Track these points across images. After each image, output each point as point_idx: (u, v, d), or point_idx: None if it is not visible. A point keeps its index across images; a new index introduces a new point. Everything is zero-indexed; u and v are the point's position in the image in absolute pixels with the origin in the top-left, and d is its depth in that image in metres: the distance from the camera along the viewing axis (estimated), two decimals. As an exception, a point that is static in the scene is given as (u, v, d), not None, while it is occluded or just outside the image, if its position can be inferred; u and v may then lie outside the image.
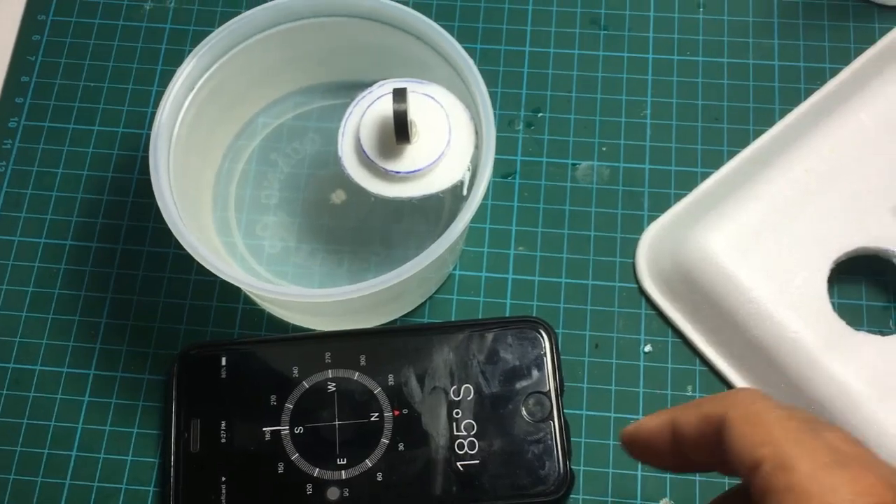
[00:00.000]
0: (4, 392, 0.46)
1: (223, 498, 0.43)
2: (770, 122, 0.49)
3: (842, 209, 0.46)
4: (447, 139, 0.41)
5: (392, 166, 0.41)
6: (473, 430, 0.44)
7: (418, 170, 0.41)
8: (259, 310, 0.47)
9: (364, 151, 0.41)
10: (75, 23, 0.53)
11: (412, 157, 0.41)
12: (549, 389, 0.44)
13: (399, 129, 0.40)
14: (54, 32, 0.53)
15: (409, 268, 0.39)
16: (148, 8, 0.54)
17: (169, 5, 0.53)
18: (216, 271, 0.39)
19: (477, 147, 0.42)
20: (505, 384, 0.44)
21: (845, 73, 0.50)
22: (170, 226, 0.40)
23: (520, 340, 0.45)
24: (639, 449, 0.34)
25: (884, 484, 0.27)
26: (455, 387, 0.44)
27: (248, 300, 0.47)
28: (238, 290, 0.47)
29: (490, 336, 0.45)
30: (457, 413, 0.44)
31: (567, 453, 0.43)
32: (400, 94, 0.40)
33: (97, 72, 0.52)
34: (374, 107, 0.42)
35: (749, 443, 0.30)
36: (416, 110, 0.41)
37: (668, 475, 0.44)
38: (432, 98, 0.42)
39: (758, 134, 0.49)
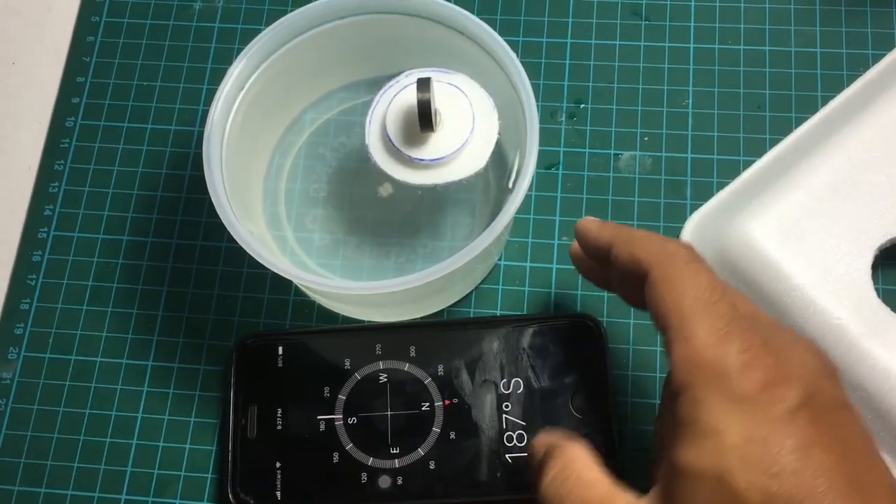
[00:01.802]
0: (68, 383, 0.48)
1: (278, 483, 0.44)
2: (812, 110, 0.49)
3: (884, 195, 0.46)
4: (471, 127, 0.42)
5: (417, 154, 0.42)
6: (522, 423, 0.45)
7: (442, 157, 0.42)
8: (309, 301, 0.49)
9: (390, 139, 0.42)
10: (127, 24, 0.55)
11: (437, 145, 0.42)
12: (597, 384, 0.45)
13: (423, 118, 0.41)
14: (107, 34, 0.55)
15: (455, 260, 0.40)
16: (197, 8, 0.55)
17: (218, 4, 0.55)
18: (267, 264, 0.40)
19: (499, 136, 0.43)
20: (553, 379, 0.45)
21: (888, 60, 0.50)
22: (223, 220, 0.41)
23: (568, 336, 0.46)
24: (579, 266, 0.40)
25: (766, 352, 0.30)
26: (504, 380, 0.45)
27: (298, 292, 0.49)
28: (289, 282, 0.48)
29: (539, 331, 0.46)
30: (506, 406, 0.45)
31: (615, 447, 0.44)
32: (424, 84, 0.40)
33: (149, 71, 0.54)
34: (399, 96, 0.43)
35: (662, 306, 0.32)
36: (441, 99, 0.42)
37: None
38: (457, 87, 0.43)
39: (800, 122, 0.49)
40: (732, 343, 0.30)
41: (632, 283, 0.35)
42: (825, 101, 0.50)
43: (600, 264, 0.39)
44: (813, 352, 0.33)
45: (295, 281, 0.42)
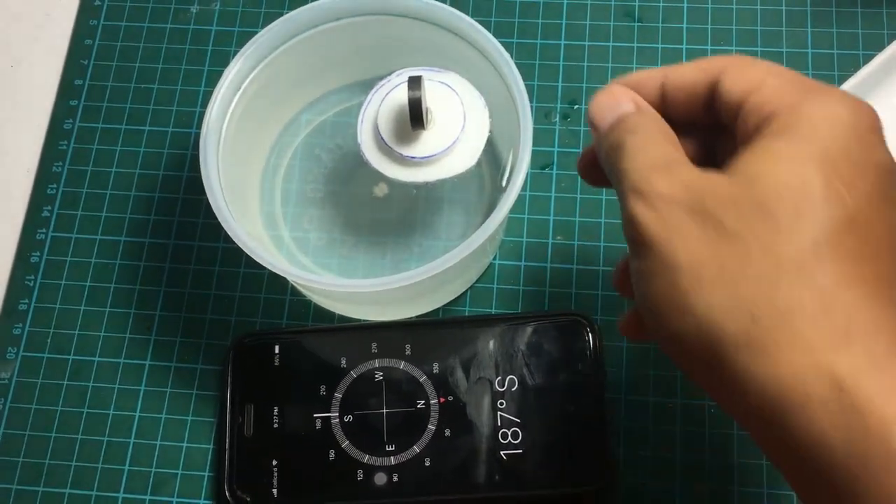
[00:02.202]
0: (65, 382, 0.48)
1: (275, 480, 0.44)
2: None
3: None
4: (462, 125, 0.42)
5: (408, 151, 0.42)
6: (517, 420, 0.45)
7: (433, 155, 0.42)
8: (306, 300, 0.49)
9: (382, 137, 0.42)
10: (125, 27, 0.55)
11: (428, 142, 0.42)
12: (592, 382, 0.45)
13: (414, 116, 0.41)
14: (105, 37, 0.55)
15: (448, 258, 0.40)
16: (194, 11, 0.55)
17: (214, 8, 0.55)
18: (264, 262, 0.40)
19: (494, 136, 0.44)
20: (548, 376, 0.46)
21: (879, 59, 0.50)
22: (220, 220, 0.41)
23: (563, 333, 0.46)
24: (589, 177, 0.37)
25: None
26: (499, 378, 0.46)
27: (294, 291, 0.49)
28: (285, 281, 0.49)
29: (533, 329, 0.47)
30: (501, 403, 0.45)
31: (609, 444, 0.44)
32: (415, 82, 0.41)
33: (147, 74, 0.54)
34: (391, 95, 0.43)
35: (743, 82, 0.31)
36: (432, 97, 0.42)
37: (707, 457, 0.45)
38: (447, 86, 0.43)
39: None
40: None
41: (691, 97, 0.34)
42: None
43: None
44: None
45: (290, 279, 0.43)
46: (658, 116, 0.33)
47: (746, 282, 0.28)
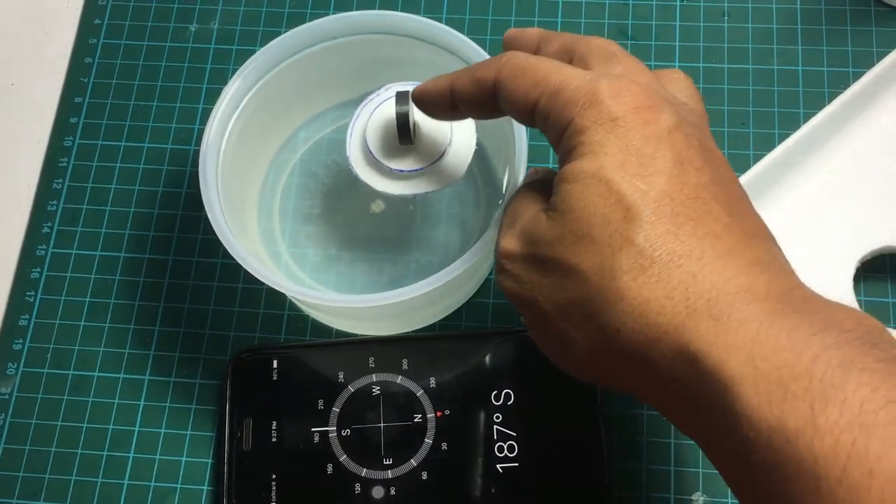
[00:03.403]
0: (65, 398, 0.49)
1: (274, 494, 0.45)
2: (795, 126, 0.50)
3: (866, 209, 0.47)
4: (448, 139, 0.43)
5: (396, 165, 0.43)
6: (513, 434, 0.45)
7: (421, 168, 0.43)
8: (304, 316, 0.49)
9: (370, 151, 0.43)
10: (125, 45, 0.56)
11: (415, 156, 0.43)
12: (586, 394, 0.46)
13: (402, 130, 0.42)
14: (105, 55, 0.56)
15: (444, 274, 0.41)
16: (193, 29, 0.56)
17: (213, 26, 0.56)
18: (261, 277, 0.41)
19: (486, 149, 0.45)
20: (544, 390, 0.46)
21: (868, 77, 0.51)
22: (219, 236, 0.42)
23: None
24: (426, 106, 0.39)
25: (636, 84, 0.32)
26: (495, 391, 0.46)
27: (293, 307, 0.50)
28: (284, 297, 0.49)
29: (529, 343, 0.46)
30: (497, 417, 0.46)
31: (604, 456, 0.45)
32: (402, 97, 0.42)
33: (146, 91, 0.55)
34: (379, 109, 0.44)
35: (522, 91, 0.34)
36: (419, 112, 0.43)
37: (700, 470, 0.46)
38: None
39: (783, 138, 0.50)
40: (601, 80, 0.32)
41: (481, 102, 0.36)
42: (807, 117, 0.51)
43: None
44: (687, 85, 0.36)
45: (288, 294, 0.43)
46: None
47: (597, 307, 0.31)
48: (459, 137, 0.43)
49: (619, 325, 0.30)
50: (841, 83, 0.52)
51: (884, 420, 0.25)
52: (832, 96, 0.51)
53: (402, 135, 0.42)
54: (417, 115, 0.43)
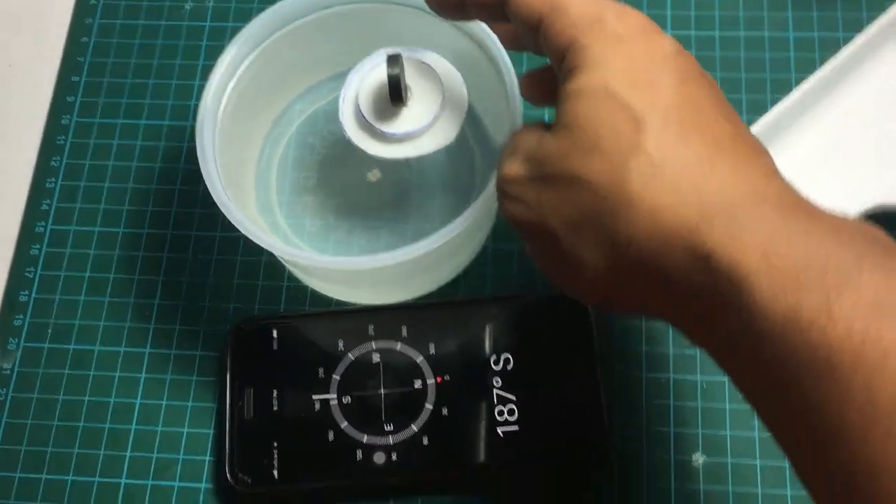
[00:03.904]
0: (66, 372, 0.49)
1: (275, 462, 0.45)
2: (786, 91, 0.51)
3: (860, 168, 0.48)
4: (441, 102, 0.43)
5: (389, 128, 0.43)
6: (512, 397, 0.46)
7: (413, 131, 0.43)
8: (303, 286, 0.50)
9: (363, 115, 0.43)
10: (121, 24, 0.56)
11: (407, 119, 0.43)
12: (585, 358, 0.46)
13: (393, 92, 0.42)
14: (101, 34, 0.56)
15: (443, 234, 0.41)
16: (188, 7, 0.56)
17: (208, 4, 0.56)
18: (258, 240, 0.41)
19: (481, 116, 0.45)
20: (542, 354, 0.46)
21: (858, 41, 0.51)
22: (213, 195, 0.42)
23: (556, 312, 0.47)
24: (433, 3, 0.38)
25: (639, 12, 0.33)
26: (495, 356, 0.46)
27: (291, 278, 0.50)
28: (283, 267, 0.50)
29: (528, 309, 0.47)
30: (497, 381, 0.46)
31: (603, 419, 0.45)
32: (394, 60, 0.42)
33: (143, 69, 0.55)
34: (372, 73, 0.44)
35: (531, 2, 0.33)
36: (411, 75, 0.43)
37: (700, 431, 0.46)
38: (427, 64, 0.44)
39: (775, 102, 0.51)
40: (606, 3, 0.33)
41: (490, 6, 0.36)
42: (798, 81, 0.51)
43: None
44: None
45: (281, 255, 0.43)
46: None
47: (607, 219, 0.31)
48: (451, 101, 0.44)
49: (632, 233, 0.30)
50: (831, 48, 0.52)
51: None
52: (823, 61, 0.51)
53: (395, 97, 0.42)
54: (409, 78, 0.43)
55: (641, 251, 0.30)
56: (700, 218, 0.29)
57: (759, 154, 0.32)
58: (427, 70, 0.44)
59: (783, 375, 0.26)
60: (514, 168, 0.34)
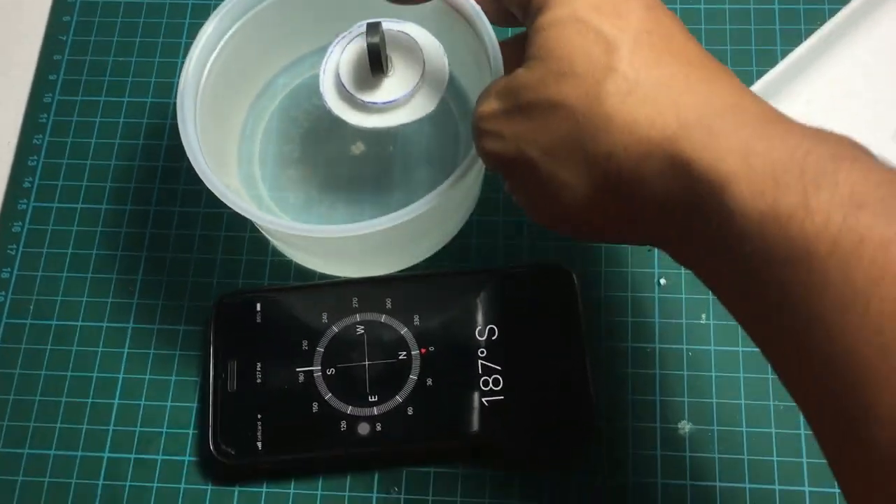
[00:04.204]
0: (49, 347, 0.48)
1: (259, 434, 0.45)
2: (773, 63, 0.51)
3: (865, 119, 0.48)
4: (421, 71, 0.43)
5: (369, 98, 0.43)
6: (498, 368, 0.45)
7: (394, 100, 0.43)
8: (287, 261, 0.49)
9: (343, 85, 0.43)
10: (103, 3, 0.56)
11: (388, 89, 0.43)
12: (571, 328, 0.46)
13: (373, 61, 0.42)
14: (84, 13, 0.56)
15: (426, 201, 0.41)
16: (171, -15, 0.56)
17: (190, -19, 0.56)
18: (240, 209, 0.41)
19: (466, 90, 0.44)
20: (528, 325, 0.46)
21: (843, 13, 0.51)
22: (196, 169, 0.41)
23: (542, 283, 0.47)
24: None
25: None
26: (480, 328, 0.46)
27: (276, 252, 0.50)
28: (266, 242, 0.49)
29: (513, 279, 0.47)
30: (482, 352, 0.46)
31: (589, 389, 0.45)
32: (373, 28, 0.41)
33: (125, 47, 0.55)
34: (352, 44, 0.44)
35: None
36: (392, 46, 0.43)
37: (685, 399, 0.45)
38: (407, 34, 0.44)
39: (761, 74, 0.51)
40: None
41: None
42: (784, 54, 0.51)
43: None
44: None
45: (257, 222, 0.42)
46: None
47: (586, 138, 0.31)
48: (432, 70, 0.43)
49: (611, 149, 0.30)
50: (817, 20, 0.52)
51: (874, 198, 0.25)
52: (808, 33, 0.51)
53: (375, 67, 0.42)
54: (390, 48, 0.43)
55: (621, 166, 0.30)
56: (678, 127, 0.29)
57: (730, 75, 0.32)
58: (408, 40, 0.44)
59: (763, 273, 0.27)
60: (488, 105, 0.34)
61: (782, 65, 0.51)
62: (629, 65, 0.30)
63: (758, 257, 0.27)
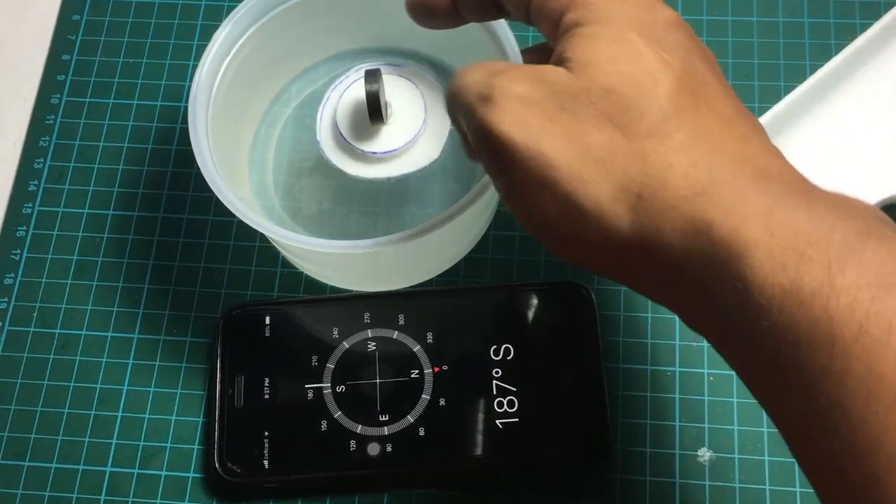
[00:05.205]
0: (52, 356, 0.47)
1: (266, 452, 0.43)
2: (801, 79, 0.49)
3: (873, 159, 0.46)
4: (423, 118, 0.42)
5: (368, 147, 0.42)
6: (513, 388, 0.44)
7: (394, 150, 0.41)
8: (297, 272, 0.48)
9: (341, 134, 0.42)
10: (114, 2, 0.55)
11: (388, 137, 0.42)
12: (588, 349, 0.45)
13: (372, 110, 0.40)
14: (94, 12, 0.55)
15: (436, 222, 0.39)
16: (183, -15, 0.55)
17: (204, -18, 0.55)
18: (251, 221, 0.40)
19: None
20: (544, 345, 0.45)
21: (875, 28, 0.50)
22: (206, 178, 0.41)
23: (559, 301, 0.46)
24: (422, 12, 0.36)
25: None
26: (495, 347, 0.45)
27: (286, 263, 0.48)
28: (277, 253, 0.48)
29: (529, 297, 0.46)
30: (496, 372, 0.44)
31: (606, 412, 0.43)
32: (372, 75, 0.40)
33: (136, 48, 0.54)
34: (350, 90, 0.43)
35: None
36: (392, 92, 0.42)
37: (706, 425, 0.44)
38: (408, 79, 0.42)
39: (789, 90, 0.49)
40: None
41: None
42: (813, 69, 0.49)
43: None
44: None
45: (267, 234, 0.41)
46: None
47: (621, 165, 0.29)
48: (434, 117, 0.42)
49: (641, 188, 0.28)
50: (847, 34, 0.51)
51: None
52: (838, 48, 0.50)
53: (374, 115, 0.40)
54: (390, 95, 0.42)
55: (647, 208, 0.28)
56: (709, 182, 0.28)
57: (761, 133, 0.31)
58: (408, 85, 0.42)
59: (780, 350, 0.25)
60: (520, 85, 0.30)
61: (811, 80, 0.49)
62: (672, 107, 0.29)
63: (775, 334, 0.25)
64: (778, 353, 0.25)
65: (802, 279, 0.25)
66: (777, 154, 0.30)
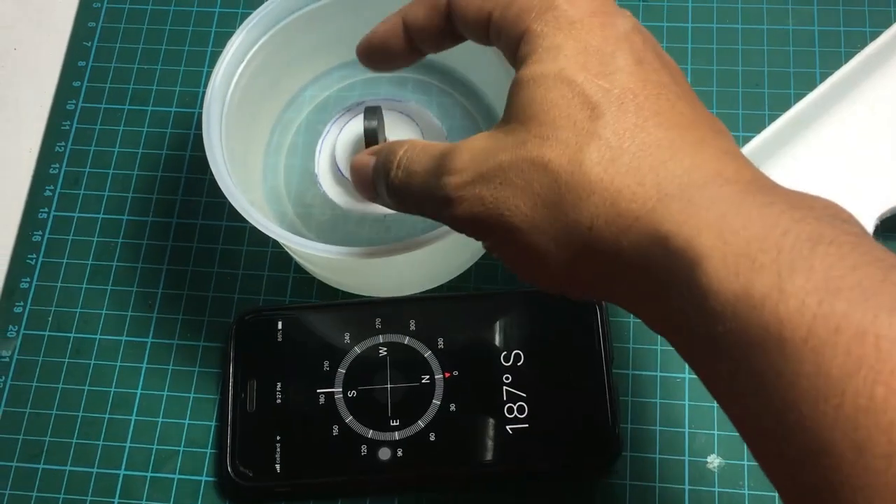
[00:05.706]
0: (67, 360, 0.48)
1: (278, 456, 0.44)
2: (811, 86, 0.49)
3: (885, 166, 0.46)
4: None
5: None
6: (523, 394, 0.44)
7: None
8: (309, 278, 0.48)
9: (339, 170, 0.42)
10: (129, 9, 0.55)
11: None
12: (598, 355, 0.45)
13: (369, 147, 0.41)
14: (109, 19, 0.55)
15: (447, 229, 0.40)
16: (198, -8, 0.55)
17: (218, -11, 0.55)
18: (264, 229, 0.40)
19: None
20: (554, 351, 0.45)
21: (885, 36, 0.50)
22: (220, 185, 0.41)
23: (569, 308, 0.46)
24: (376, 55, 0.38)
25: None
26: (505, 352, 0.45)
27: (298, 269, 0.49)
28: (289, 258, 0.48)
29: (540, 303, 0.46)
30: (507, 378, 0.45)
31: (616, 418, 0.44)
32: (371, 112, 0.40)
33: (150, 55, 0.54)
34: (349, 125, 0.43)
35: (475, 5, 0.33)
36: (391, 127, 0.42)
37: (715, 432, 0.44)
38: (407, 115, 0.43)
39: (798, 98, 0.49)
40: None
41: (434, 28, 0.36)
42: (823, 77, 0.50)
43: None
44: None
45: (281, 241, 0.42)
46: (400, 141, 0.36)
47: (570, 203, 0.30)
48: None
49: (592, 220, 0.29)
50: (857, 43, 0.51)
51: (850, 283, 0.24)
52: (848, 56, 0.50)
53: None
54: (389, 131, 0.42)
55: (602, 237, 0.29)
56: (658, 199, 0.28)
57: (718, 134, 0.31)
58: (407, 122, 0.43)
59: (735, 354, 0.26)
60: (459, 176, 0.32)
61: (821, 88, 0.50)
62: (613, 132, 0.29)
63: (731, 338, 0.26)
64: (734, 356, 0.26)
65: (754, 285, 0.25)
66: (735, 154, 0.30)
